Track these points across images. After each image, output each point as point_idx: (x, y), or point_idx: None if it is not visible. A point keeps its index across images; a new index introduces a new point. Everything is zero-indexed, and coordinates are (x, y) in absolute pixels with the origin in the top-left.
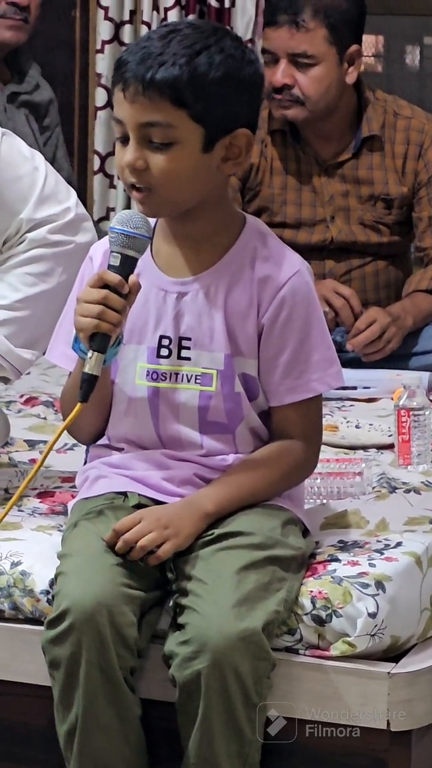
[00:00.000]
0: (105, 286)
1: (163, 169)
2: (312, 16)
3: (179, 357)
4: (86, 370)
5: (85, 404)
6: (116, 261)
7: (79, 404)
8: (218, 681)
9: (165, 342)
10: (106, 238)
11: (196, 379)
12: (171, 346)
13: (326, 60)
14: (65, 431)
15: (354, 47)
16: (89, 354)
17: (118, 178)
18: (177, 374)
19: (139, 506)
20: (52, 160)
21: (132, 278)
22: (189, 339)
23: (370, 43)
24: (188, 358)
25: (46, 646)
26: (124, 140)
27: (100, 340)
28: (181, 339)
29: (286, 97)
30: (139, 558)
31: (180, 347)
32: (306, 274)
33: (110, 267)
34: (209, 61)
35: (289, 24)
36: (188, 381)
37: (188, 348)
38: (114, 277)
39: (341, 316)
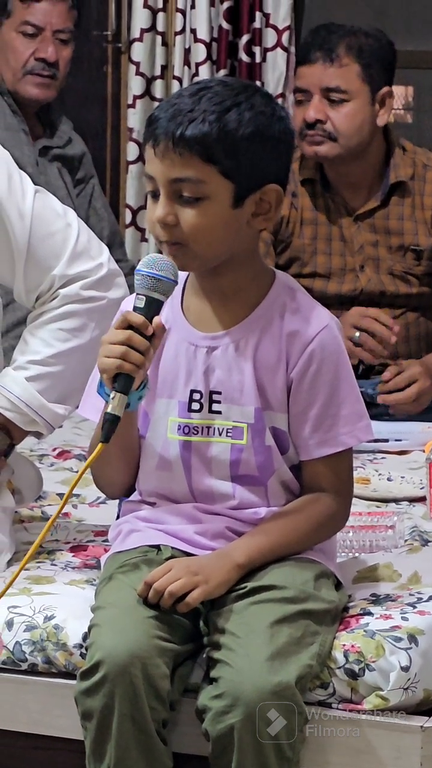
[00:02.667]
0: (129, 327)
1: (194, 224)
2: (346, 52)
3: (210, 411)
4: (108, 410)
5: (111, 449)
6: (141, 303)
7: (100, 444)
8: (251, 735)
9: (196, 396)
10: None
11: (227, 432)
12: (202, 400)
13: (359, 97)
14: (96, 485)
15: (385, 89)
16: (112, 394)
17: (150, 232)
18: (209, 428)
19: (171, 559)
20: (86, 212)
21: (156, 320)
22: (219, 393)
23: (400, 94)
24: (219, 412)
25: (79, 698)
26: (155, 195)
27: (123, 381)
28: (211, 393)
29: (318, 133)
30: (170, 605)
31: (211, 401)
32: (335, 328)
33: (135, 309)
34: (239, 117)
35: (323, 59)
36: (220, 434)
37: (219, 402)
38: (138, 318)
39: (376, 332)
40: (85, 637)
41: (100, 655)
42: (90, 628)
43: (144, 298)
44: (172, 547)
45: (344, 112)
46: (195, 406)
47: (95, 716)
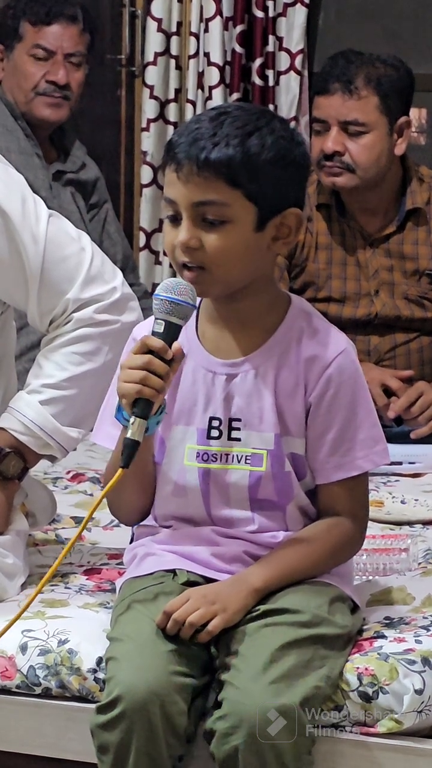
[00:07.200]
0: (149, 351)
1: (217, 248)
2: (364, 84)
3: (229, 438)
4: (128, 435)
5: (127, 474)
6: (160, 327)
7: (120, 470)
8: (256, 757)
9: (215, 423)
10: (149, 319)
11: (246, 459)
12: (221, 428)
13: (377, 128)
14: (110, 511)
15: (403, 118)
16: (131, 420)
17: (164, 254)
18: (227, 455)
19: (188, 583)
20: (99, 236)
21: (175, 345)
22: (239, 420)
23: (413, 116)
24: (238, 439)
25: (96, 731)
26: (175, 220)
27: (143, 405)
28: (231, 420)
29: (336, 164)
30: (189, 636)
31: (230, 428)
32: (352, 353)
33: (154, 333)
34: (261, 142)
35: (341, 91)
36: (238, 461)
37: (238, 429)
38: (157, 342)
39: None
40: (99, 662)
41: (119, 690)
42: (107, 661)
43: (163, 322)
44: (188, 571)
45: (362, 143)
46: (214, 433)
47: (111, 751)
